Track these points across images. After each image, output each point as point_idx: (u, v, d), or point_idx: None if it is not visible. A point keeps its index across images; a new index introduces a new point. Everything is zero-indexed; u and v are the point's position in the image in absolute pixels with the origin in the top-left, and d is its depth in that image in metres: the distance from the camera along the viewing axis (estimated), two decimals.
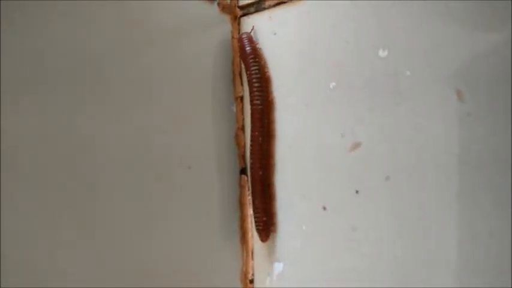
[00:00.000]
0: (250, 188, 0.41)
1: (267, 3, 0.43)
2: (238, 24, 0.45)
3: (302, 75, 0.40)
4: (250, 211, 0.42)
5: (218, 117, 0.41)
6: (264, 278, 0.43)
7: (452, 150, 0.33)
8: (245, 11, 0.44)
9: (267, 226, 0.40)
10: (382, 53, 0.36)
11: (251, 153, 0.40)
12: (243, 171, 0.43)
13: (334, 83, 0.39)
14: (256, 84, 0.40)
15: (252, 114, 0.40)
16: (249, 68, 0.40)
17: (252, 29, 0.43)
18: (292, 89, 0.41)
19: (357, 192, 0.37)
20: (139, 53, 0.33)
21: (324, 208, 0.38)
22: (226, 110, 0.43)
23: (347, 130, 0.38)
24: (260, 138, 0.39)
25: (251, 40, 0.41)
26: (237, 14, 0.45)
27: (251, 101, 0.40)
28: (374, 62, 0.36)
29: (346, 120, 0.38)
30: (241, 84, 0.44)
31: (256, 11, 0.44)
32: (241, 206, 0.42)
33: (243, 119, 0.44)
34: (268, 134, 0.40)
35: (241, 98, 0.44)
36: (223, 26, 0.43)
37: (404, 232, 0.34)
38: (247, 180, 0.42)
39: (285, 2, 0.42)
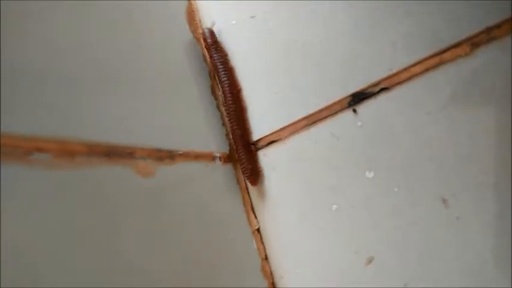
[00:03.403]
0: (234, 147, 0.49)
1: (259, 144, 0.49)
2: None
3: (306, 203, 0.46)
4: None
5: (240, 255, 0.46)
6: None
7: (454, 255, 0.37)
8: None
9: (253, 171, 0.48)
10: (369, 174, 0.42)
11: (229, 120, 0.49)
12: None
13: (335, 206, 0.44)
14: (221, 67, 0.50)
15: (222, 89, 0.50)
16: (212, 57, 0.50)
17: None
18: (301, 217, 0.46)
19: None
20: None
21: None
22: (246, 246, 0.47)
23: (359, 247, 0.42)
24: (234, 106, 0.49)
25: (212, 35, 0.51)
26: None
27: (220, 80, 0.50)
28: (364, 182, 0.42)
29: (356, 238, 0.42)
30: (255, 218, 0.49)
31: (256, 150, 0.50)
32: None
33: (265, 249, 0.49)
34: (238, 98, 0.50)
35: (258, 230, 0.49)
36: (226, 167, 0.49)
37: None
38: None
39: (275, 141, 0.48)
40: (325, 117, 0.45)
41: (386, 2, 0.40)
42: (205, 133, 0.48)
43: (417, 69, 0.40)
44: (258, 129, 0.50)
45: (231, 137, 0.50)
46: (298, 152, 0.46)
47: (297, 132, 0.47)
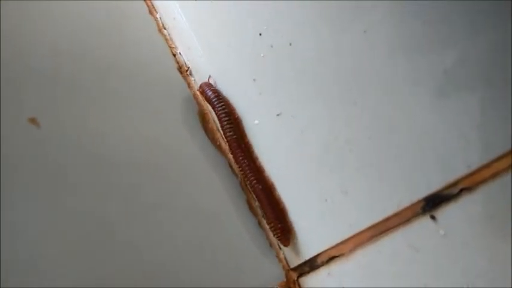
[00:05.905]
0: (258, 203, 0.44)
1: (319, 260, 0.42)
2: (299, 286, 0.44)
3: None
4: None
5: None
6: None
7: None
8: (300, 271, 0.44)
9: (284, 231, 0.42)
10: None
11: (244, 176, 0.44)
12: None
13: None
14: (225, 119, 0.44)
15: (229, 145, 0.44)
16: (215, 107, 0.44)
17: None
18: None
19: None
20: None
21: None
22: None
23: None
24: (245, 161, 0.43)
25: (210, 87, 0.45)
26: (293, 277, 0.44)
27: (224, 134, 0.44)
28: None
29: None
30: None
31: (311, 269, 0.43)
32: None
33: None
34: (249, 153, 0.44)
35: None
36: None
37: None
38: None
39: (337, 257, 0.41)
40: (396, 226, 0.38)
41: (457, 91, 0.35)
42: (259, 270, 0.41)
43: (502, 164, 0.33)
44: (312, 243, 0.43)
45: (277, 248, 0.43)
46: (371, 269, 0.40)
47: (362, 245, 0.40)
